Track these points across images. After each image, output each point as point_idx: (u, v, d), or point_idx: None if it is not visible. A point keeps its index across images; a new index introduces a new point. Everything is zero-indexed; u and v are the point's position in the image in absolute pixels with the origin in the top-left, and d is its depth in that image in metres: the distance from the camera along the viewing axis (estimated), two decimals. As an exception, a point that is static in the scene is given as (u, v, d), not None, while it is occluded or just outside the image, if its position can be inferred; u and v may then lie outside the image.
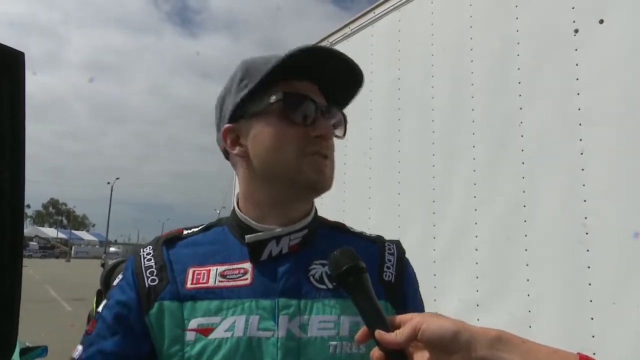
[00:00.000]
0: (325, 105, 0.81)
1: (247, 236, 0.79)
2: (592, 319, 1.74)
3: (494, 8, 2.41)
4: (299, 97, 0.78)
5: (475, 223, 2.27)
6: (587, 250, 1.79)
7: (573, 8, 1.99)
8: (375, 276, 0.81)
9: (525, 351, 0.55)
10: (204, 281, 0.77)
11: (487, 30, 2.40)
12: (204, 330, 0.73)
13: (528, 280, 1.99)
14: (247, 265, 0.79)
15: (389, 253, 0.87)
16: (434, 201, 2.51)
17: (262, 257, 0.79)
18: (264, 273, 0.78)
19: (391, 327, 0.61)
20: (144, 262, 0.80)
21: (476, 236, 2.25)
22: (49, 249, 65.52)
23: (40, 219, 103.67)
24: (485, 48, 2.39)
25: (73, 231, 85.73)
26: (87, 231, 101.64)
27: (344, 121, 0.86)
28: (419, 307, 0.87)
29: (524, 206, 2.06)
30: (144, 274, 0.78)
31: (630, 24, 1.82)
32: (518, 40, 2.21)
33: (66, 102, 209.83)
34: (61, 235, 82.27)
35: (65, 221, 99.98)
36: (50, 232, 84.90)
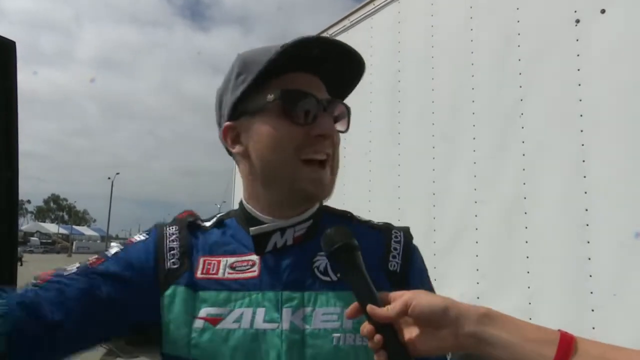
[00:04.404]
0: (327, 99, 0.79)
1: (251, 229, 0.79)
2: (592, 310, 1.74)
3: (494, -1, 2.39)
4: (299, 94, 0.76)
5: (476, 215, 2.26)
6: (588, 242, 1.79)
7: (574, -2, 1.97)
8: (381, 266, 0.81)
9: (512, 327, 0.58)
10: (213, 272, 0.78)
11: (488, 22, 2.38)
12: (213, 320, 0.74)
13: (528, 272, 1.98)
14: (255, 257, 0.79)
15: (395, 241, 0.85)
16: (434, 194, 2.50)
17: (266, 249, 0.79)
18: (269, 265, 0.78)
19: (382, 303, 0.63)
20: (167, 242, 0.81)
21: (476, 229, 2.25)
22: (50, 244, 65.65)
23: (42, 214, 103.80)
24: (486, 39, 2.37)
25: (74, 226, 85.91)
26: (88, 226, 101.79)
27: (347, 113, 0.82)
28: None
29: (525, 198, 2.05)
30: (166, 254, 0.79)
31: (632, 13, 1.80)
32: (519, 31, 2.19)
33: (75, 99, 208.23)
34: (62, 230, 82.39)
35: (66, 216, 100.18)
36: (52, 227, 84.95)
